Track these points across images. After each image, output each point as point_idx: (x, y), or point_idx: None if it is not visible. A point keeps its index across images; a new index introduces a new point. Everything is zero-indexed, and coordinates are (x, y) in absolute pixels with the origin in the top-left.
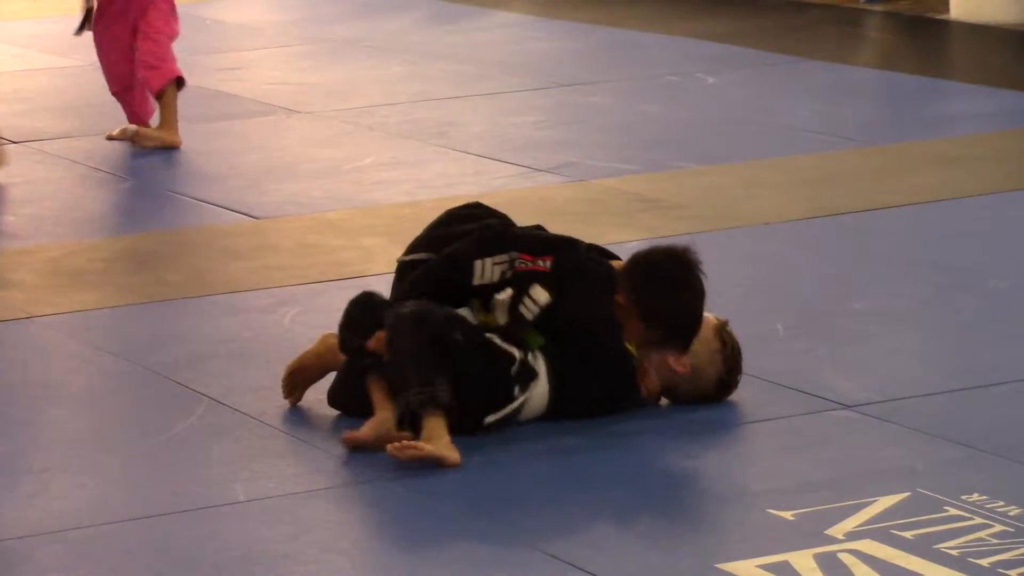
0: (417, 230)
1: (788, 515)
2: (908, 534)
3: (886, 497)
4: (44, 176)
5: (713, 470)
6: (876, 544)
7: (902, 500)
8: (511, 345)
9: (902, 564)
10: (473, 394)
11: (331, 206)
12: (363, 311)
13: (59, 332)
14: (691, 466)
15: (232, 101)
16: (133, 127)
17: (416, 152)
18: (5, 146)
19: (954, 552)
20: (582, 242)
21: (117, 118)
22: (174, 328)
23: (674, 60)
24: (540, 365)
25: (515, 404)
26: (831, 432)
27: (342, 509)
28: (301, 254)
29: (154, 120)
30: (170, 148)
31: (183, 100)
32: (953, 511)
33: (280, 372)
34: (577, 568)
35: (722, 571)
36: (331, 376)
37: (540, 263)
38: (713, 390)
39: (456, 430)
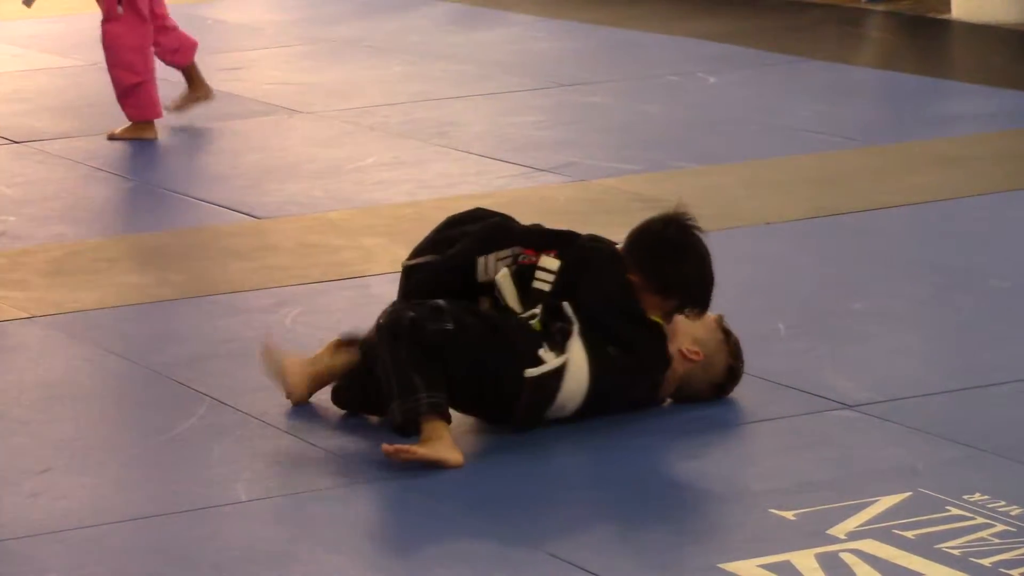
0: (418, 230)
1: (789, 515)
2: (910, 534)
3: (887, 497)
4: (45, 176)
5: (714, 470)
6: (878, 544)
7: (903, 500)
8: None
9: (904, 564)
10: (498, 363)
11: (332, 206)
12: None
13: (60, 332)
14: (692, 466)
15: (233, 101)
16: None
17: (417, 152)
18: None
19: (956, 552)
20: (581, 235)
21: (118, 118)
22: (175, 328)
23: (675, 60)
24: (574, 335)
25: (556, 363)
26: (832, 432)
27: (343, 509)
28: (302, 254)
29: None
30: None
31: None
32: (954, 511)
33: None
34: (578, 568)
35: (724, 571)
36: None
37: (544, 257)
38: (723, 379)
39: (494, 403)
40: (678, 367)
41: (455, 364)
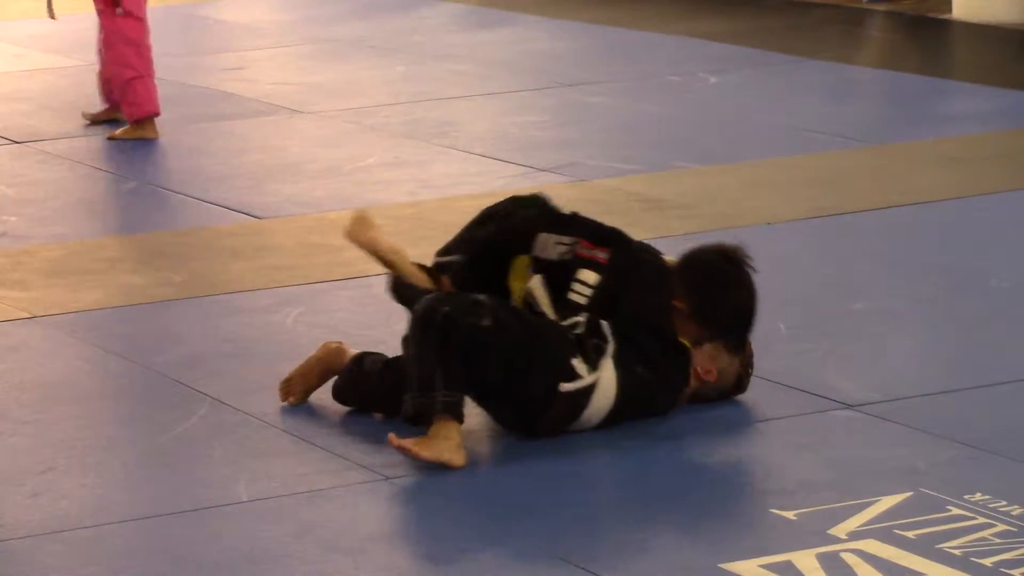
0: (419, 230)
1: (791, 515)
2: (911, 534)
3: (889, 497)
4: (45, 176)
5: (715, 470)
6: (879, 544)
7: (904, 500)
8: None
9: (905, 564)
10: (532, 369)
11: (333, 206)
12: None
13: (61, 332)
14: (693, 466)
15: (234, 101)
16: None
17: (418, 152)
18: None
19: (957, 552)
20: (632, 240)
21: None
22: (177, 328)
23: (676, 60)
24: (607, 354)
25: (588, 380)
26: (833, 432)
27: (345, 509)
28: (303, 254)
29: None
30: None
31: (186, 100)
32: (956, 511)
33: (283, 372)
34: (580, 568)
35: (725, 571)
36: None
37: (598, 253)
38: (733, 387)
39: (517, 406)
40: (694, 382)
41: (485, 361)
